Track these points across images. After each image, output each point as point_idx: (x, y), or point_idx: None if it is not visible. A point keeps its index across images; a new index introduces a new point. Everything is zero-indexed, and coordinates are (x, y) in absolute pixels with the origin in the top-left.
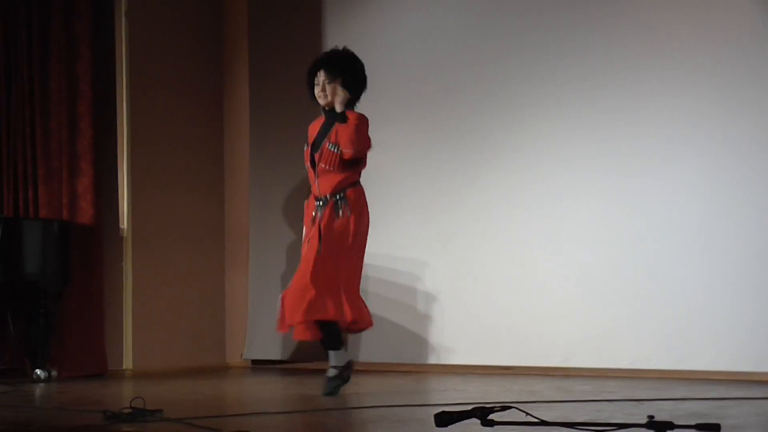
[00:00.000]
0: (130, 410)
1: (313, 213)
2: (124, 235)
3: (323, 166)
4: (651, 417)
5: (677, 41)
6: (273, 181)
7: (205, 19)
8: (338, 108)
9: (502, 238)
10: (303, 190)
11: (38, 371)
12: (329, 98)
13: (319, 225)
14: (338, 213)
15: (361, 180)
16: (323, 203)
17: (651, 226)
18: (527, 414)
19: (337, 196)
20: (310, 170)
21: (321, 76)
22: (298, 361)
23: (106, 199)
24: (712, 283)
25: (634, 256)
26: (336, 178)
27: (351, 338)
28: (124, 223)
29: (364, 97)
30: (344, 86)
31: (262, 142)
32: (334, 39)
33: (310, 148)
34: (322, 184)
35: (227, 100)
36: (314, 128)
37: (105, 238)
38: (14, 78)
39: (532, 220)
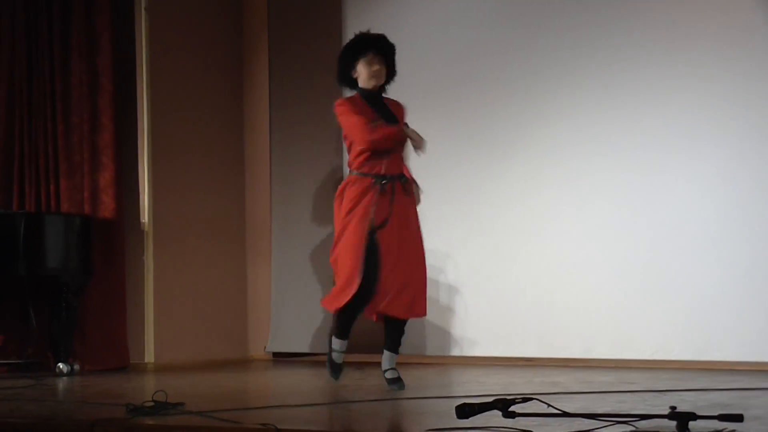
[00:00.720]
0: (153, 403)
1: (380, 191)
2: (146, 228)
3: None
4: (673, 408)
5: (701, 38)
6: (294, 172)
7: (225, 11)
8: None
9: (524, 231)
10: (324, 180)
11: (61, 365)
12: (381, 80)
13: (392, 211)
14: (415, 197)
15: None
16: (389, 181)
17: (673, 218)
18: (549, 405)
19: (404, 179)
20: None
21: (375, 57)
22: (320, 354)
23: (127, 193)
24: (734, 273)
25: (655, 248)
26: (401, 159)
27: (373, 330)
28: (146, 216)
29: (387, 88)
30: (388, 73)
31: (282, 134)
32: (353, 31)
33: (384, 122)
34: (392, 164)
35: (247, 93)
36: (364, 107)
37: (126, 232)
38: (36, 73)
39: (553, 212)
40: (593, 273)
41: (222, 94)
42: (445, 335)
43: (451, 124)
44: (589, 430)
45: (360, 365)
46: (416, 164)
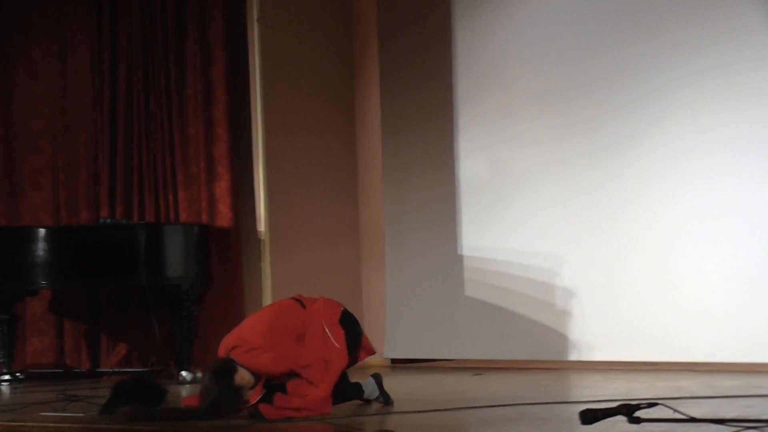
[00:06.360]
0: None
1: None
2: (262, 237)
3: None
4: None
5: None
6: (407, 178)
7: (335, 20)
8: None
9: (642, 232)
10: (436, 183)
11: (184, 373)
12: None
13: None
14: None
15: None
16: None
17: None
18: (675, 411)
19: None
20: None
21: None
22: (438, 360)
23: (243, 202)
24: None
25: None
26: None
27: (491, 334)
28: (262, 225)
29: (496, 93)
30: None
31: (394, 139)
32: (463, 35)
33: None
34: None
35: (359, 99)
36: None
37: (243, 240)
38: (152, 87)
39: (672, 213)
40: (716, 274)
41: (334, 100)
42: (562, 339)
43: (562, 125)
44: None
45: (478, 370)
46: (530, 167)
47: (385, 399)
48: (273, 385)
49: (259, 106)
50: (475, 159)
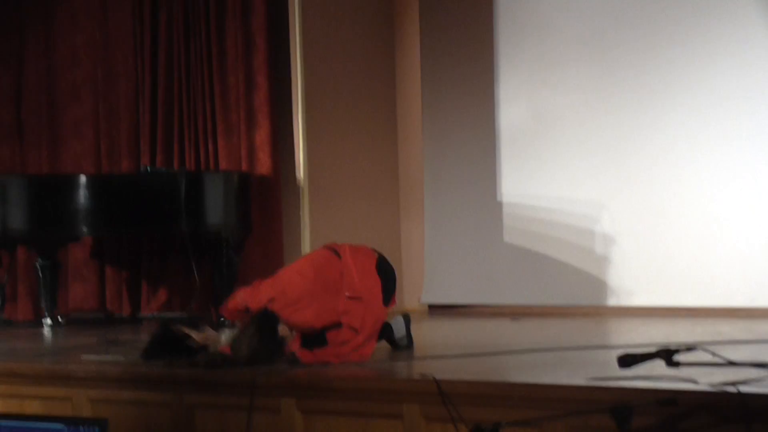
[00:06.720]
0: None
1: None
2: (301, 184)
3: None
4: None
5: None
6: (446, 125)
7: None
8: None
9: (682, 177)
10: (475, 131)
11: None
12: None
13: None
14: None
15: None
16: None
17: None
18: (714, 355)
19: None
20: None
21: None
22: (476, 305)
23: (283, 150)
24: None
25: None
26: None
27: (529, 280)
28: (301, 173)
29: (537, 40)
30: None
31: (434, 86)
32: None
33: None
34: None
35: (399, 47)
36: None
37: (283, 188)
38: (192, 36)
39: (714, 159)
40: (756, 218)
41: (374, 50)
42: (601, 285)
43: (604, 71)
44: (758, 379)
45: (516, 315)
46: (572, 113)
47: (409, 341)
48: (310, 336)
49: (298, 54)
50: (515, 106)
